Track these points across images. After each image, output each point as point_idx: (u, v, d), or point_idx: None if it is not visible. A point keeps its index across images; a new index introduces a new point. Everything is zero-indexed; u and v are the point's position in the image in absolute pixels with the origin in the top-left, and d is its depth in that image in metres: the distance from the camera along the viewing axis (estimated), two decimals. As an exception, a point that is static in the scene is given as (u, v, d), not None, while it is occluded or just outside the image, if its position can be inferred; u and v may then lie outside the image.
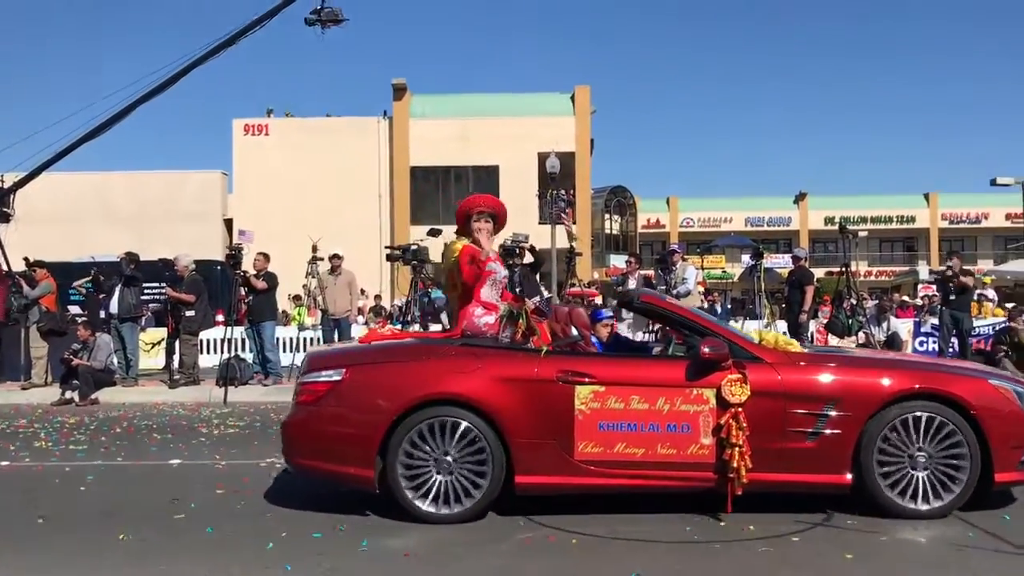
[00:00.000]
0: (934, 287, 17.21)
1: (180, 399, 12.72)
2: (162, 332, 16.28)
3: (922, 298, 25.79)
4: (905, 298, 28.62)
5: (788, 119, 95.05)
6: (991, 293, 25.50)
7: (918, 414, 5.39)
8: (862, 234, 46.45)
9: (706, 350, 5.38)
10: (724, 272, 48.73)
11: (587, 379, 5.45)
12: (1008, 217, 50.92)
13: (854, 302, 15.08)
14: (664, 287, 13.56)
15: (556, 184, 29.65)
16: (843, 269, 14.99)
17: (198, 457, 8.00)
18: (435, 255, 14.40)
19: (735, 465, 5.30)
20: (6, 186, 15.35)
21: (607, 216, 45.17)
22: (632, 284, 14.27)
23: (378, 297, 27.35)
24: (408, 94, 36.97)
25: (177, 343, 13.93)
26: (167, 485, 6.77)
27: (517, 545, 5.06)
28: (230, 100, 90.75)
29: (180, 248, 17.32)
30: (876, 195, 55.36)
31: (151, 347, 17.60)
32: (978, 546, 4.88)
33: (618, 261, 36.27)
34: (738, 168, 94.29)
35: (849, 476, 5.41)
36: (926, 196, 55.60)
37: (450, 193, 36.89)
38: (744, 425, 5.31)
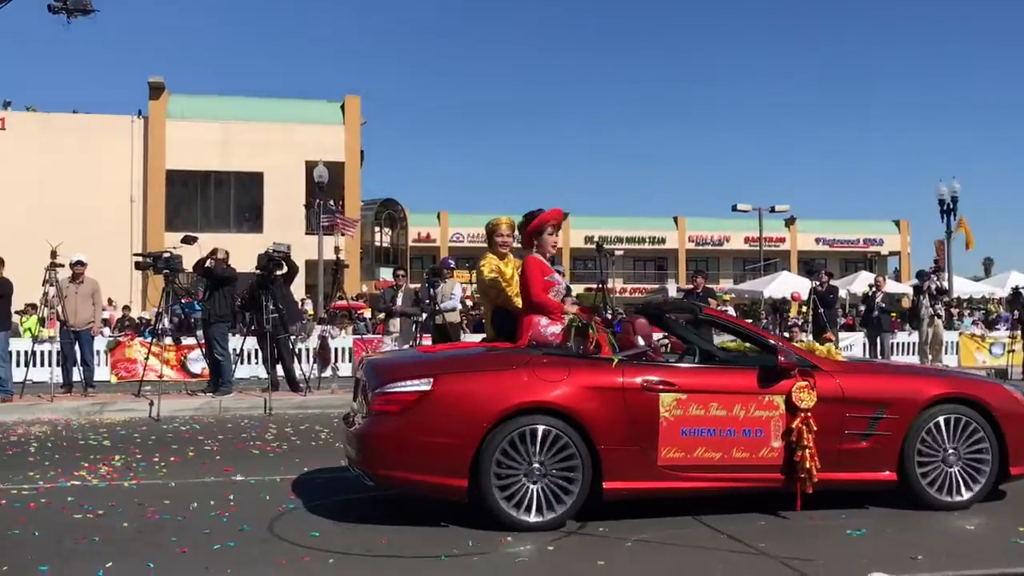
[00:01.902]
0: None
1: None
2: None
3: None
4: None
5: (552, 143, 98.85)
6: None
7: (951, 416, 6.00)
8: (618, 253, 49.09)
9: (782, 359, 5.79)
10: (491, 287, 49.56)
11: (671, 387, 5.64)
12: (747, 240, 55.46)
13: (610, 316, 15.80)
14: (428, 301, 13.61)
15: (324, 194, 29.14)
16: (600, 285, 15.65)
17: (-95, 485, 7.09)
18: (189, 263, 13.74)
19: (807, 466, 5.68)
20: None
21: (377, 228, 44.91)
22: (401, 298, 14.23)
23: (127, 308, 25.69)
24: (166, 93, 35.07)
25: None
26: None
27: (272, 567, 4.82)
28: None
29: None
30: (631, 217, 58.68)
31: None
32: (721, 547, 5.19)
33: (387, 274, 36.10)
34: (504, 186, 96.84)
35: (895, 474, 5.93)
36: (675, 219, 59.59)
37: (209, 199, 35.35)
38: (814, 428, 5.70)
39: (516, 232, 7.01)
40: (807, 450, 5.70)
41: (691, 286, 16.55)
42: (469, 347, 7.12)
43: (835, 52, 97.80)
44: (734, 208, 38.28)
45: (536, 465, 5.44)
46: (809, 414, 5.74)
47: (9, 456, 8.51)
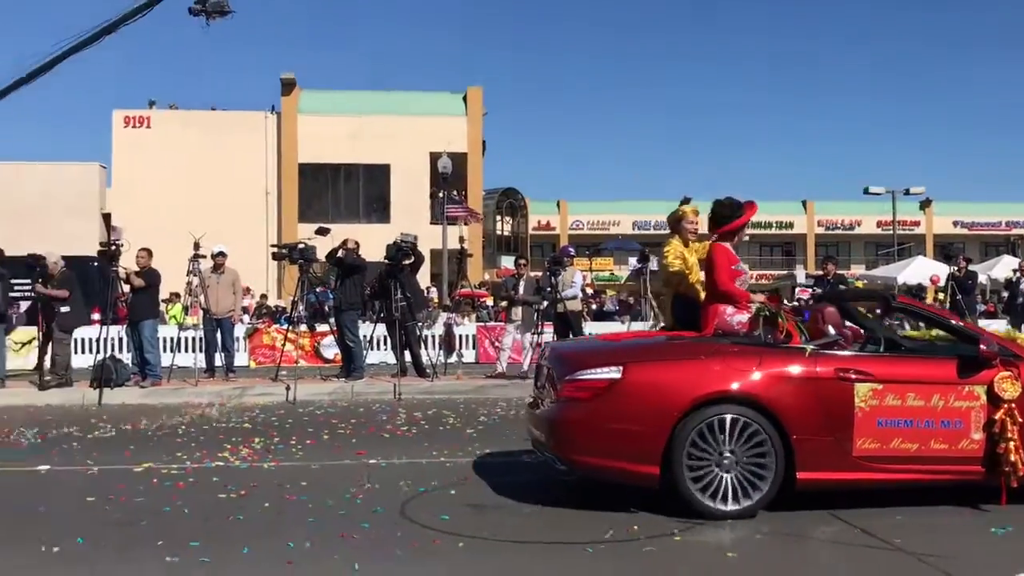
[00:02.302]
0: (810, 291, 18.07)
1: (51, 401, 12.11)
2: (33, 331, 15.53)
3: (798, 300, 26.75)
4: (784, 301, 29.66)
5: (672, 125, 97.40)
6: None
7: None
8: (744, 239, 47.95)
9: (983, 348, 5.63)
10: (612, 275, 49.52)
11: (867, 377, 5.61)
12: (879, 224, 53.35)
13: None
14: (550, 289, 13.69)
15: (448, 184, 29.68)
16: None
17: (69, 463, 7.63)
18: (323, 254, 14.23)
19: (1012, 459, 5.53)
20: None
21: (498, 217, 45.35)
22: (523, 286, 14.37)
23: (264, 296, 26.75)
24: (297, 89, 36.28)
25: (50, 342, 13.26)
26: (34, 492, 6.43)
27: (404, 549, 4.98)
28: (110, 91, 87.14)
29: (56, 242, 16.55)
30: (757, 201, 57.16)
31: (20, 346, 16.73)
32: (854, 542, 5.06)
33: (509, 262, 36.42)
34: (626, 172, 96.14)
35: None
36: (804, 203, 57.81)
37: (339, 191, 36.40)
38: (1019, 420, 5.55)
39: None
40: (1011, 443, 5.52)
41: (821, 272, 16.09)
42: (653, 336, 7.21)
43: (970, 22, 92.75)
44: (866, 191, 36.90)
45: (728, 454, 5.45)
46: (1013, 405, 5.56)
47: (159, 437, 9.03)
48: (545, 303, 13.89)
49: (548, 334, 14.16)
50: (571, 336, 13.52)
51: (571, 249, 17.09)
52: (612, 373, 5.59)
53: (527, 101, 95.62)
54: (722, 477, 5.43)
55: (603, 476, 5.76)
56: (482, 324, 19.55)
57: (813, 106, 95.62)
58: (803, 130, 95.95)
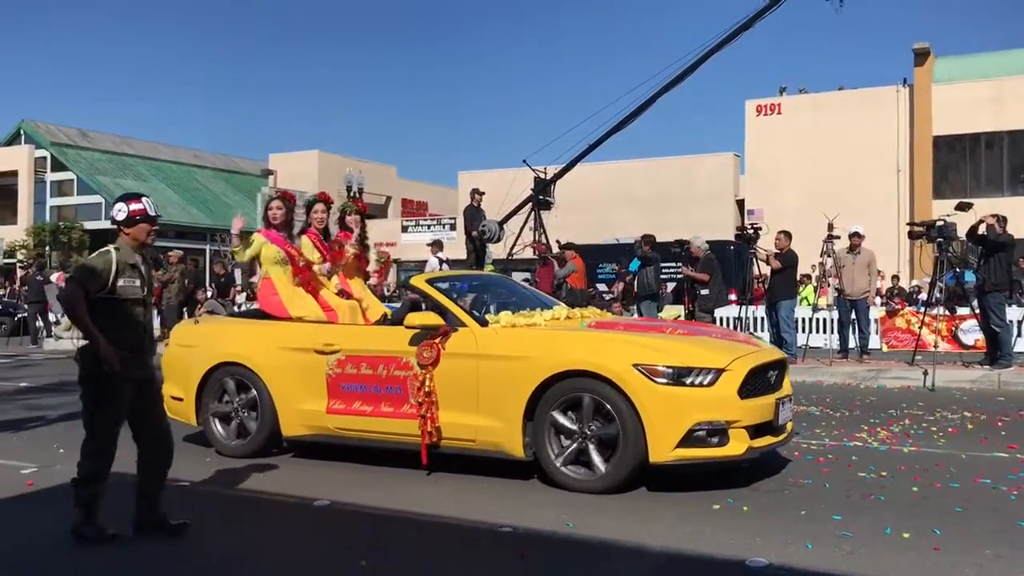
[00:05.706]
0: None
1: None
2: (680, 309, 17.22)
3: None
4: None
5: None
6: None
7: None
8: None
9: None
10: None
11: None
12: None
13: None
14: None
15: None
16: None
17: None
18: (962, 231, 13.29)
19: None
20: (548, 178, 17.28)
21: None
22: None
23: (895, 278, 25.87)
24: (931, 58, 34.13)
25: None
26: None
27: None
28: (741, 81, 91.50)
29: (694, 229, 18.05)
30: None
31: (670, 323, 18.64)
32: None
33: None
34: None
35: None
36: None
37: (979, 163, 33.41)
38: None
39: None
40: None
41: None
42: None
43: None
44: None
45: None
46: None
47: (796, 414, 9.36)
48: None
49: None
50: None
51: None
52: None
53: None
54: None
55: None
56: None
57: None
58: None
